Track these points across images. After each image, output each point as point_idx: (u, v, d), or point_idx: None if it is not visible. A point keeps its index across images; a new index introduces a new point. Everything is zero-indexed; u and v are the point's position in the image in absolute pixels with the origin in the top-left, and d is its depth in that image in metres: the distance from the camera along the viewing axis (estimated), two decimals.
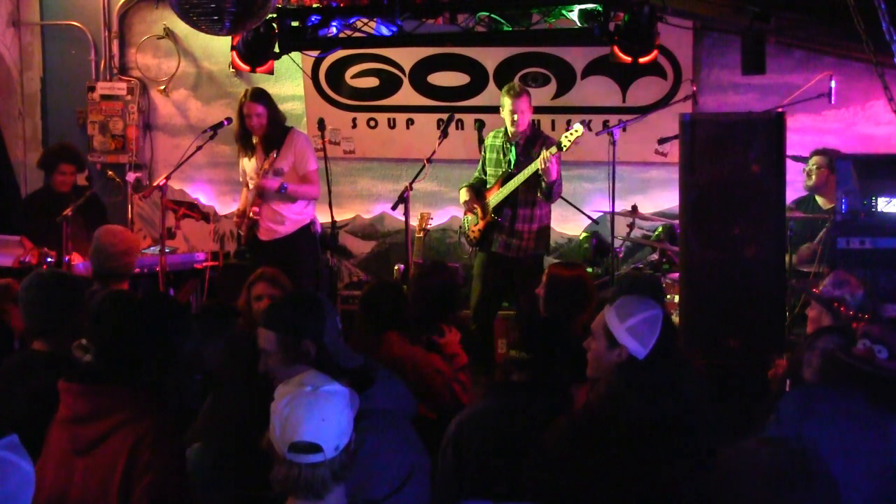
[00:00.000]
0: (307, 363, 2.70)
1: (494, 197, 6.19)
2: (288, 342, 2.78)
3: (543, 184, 5.98)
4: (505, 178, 6.17)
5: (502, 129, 6.28)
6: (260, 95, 6.13)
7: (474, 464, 3.04)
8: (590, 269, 6.81)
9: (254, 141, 6.17)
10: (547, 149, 5.97)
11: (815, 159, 6.19)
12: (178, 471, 2.67)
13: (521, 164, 6.13)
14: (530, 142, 6.17)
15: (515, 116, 6.10)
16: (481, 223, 6.23)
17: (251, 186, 6.21)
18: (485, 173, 6.39)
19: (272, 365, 2.81)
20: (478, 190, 6.35)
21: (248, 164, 6.24)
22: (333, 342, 2.81)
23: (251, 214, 6.13)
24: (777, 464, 2.04)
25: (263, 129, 6.09)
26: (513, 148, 6.18)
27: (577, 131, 5.98)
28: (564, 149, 5.96)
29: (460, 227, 6.64)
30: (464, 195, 6.34)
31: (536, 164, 5.97)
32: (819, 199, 6.22)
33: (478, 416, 3.12)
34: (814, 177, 6.16)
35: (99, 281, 4.74)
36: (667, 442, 2.71)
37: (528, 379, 3.10)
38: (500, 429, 3.02)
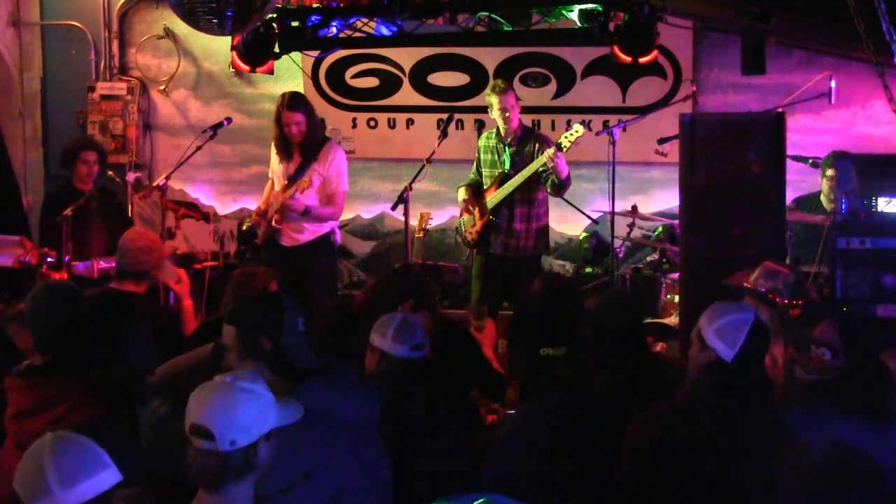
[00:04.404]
0: (261, 360, 2.75)
1: (492, 198, 6.18)
2: (245, 337, 2.81)
3: (555, 180, 5.96)
4: (502, 179, 6.16)
5: (494, 129, 6.27)
6: (298, 104, 5.95)
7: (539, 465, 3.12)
8: (589, 270, 6.81)
9: (292, 146, 6.05)
10: (545, 144, 5.97)
11: (831, 172, 6.13)
12: None
13: (516, 165, 6.12)
14: (523, 141, 6.16)
15: (507, 113, 6.07)
16: (479, 224, 6.22)
17: (277, 188, 6.15)
18: (479, 174, 6.38)
19: (230, 360, 2.85)
20: (475, 190, 6.34)
21: (279, 166, 6.13)
22: (292, 342, 2.80)
23: (273, 224, 6.08)
24: (835, 464, 2.10)
25: (302, 136, 5.97)
26: (506, 148, 6.17)
27: (577, 132, 5.96)
28: (564, 150, 5.95)
29: (456, 229, 6.63)
30: (462, 194, 6.33)
31: (537, 164, 5.96)
32: (828, 206, 6.17)
33: (528, 418, 3.21)
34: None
35: (117, 279, 4.75)
36: (754, 441, 2.81)
37: (567, 373, 3.21)
38: (552, 427, 3.13)
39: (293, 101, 5.96)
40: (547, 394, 3.23)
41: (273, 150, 6.20)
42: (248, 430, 2.21)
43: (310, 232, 6.10)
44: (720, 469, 2.78)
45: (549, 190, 6.08)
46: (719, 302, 3.03)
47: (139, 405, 2.99)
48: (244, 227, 6.49)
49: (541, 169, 5.99)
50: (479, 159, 6.38)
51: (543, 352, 3.24)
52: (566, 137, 5.95)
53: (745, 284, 4.04)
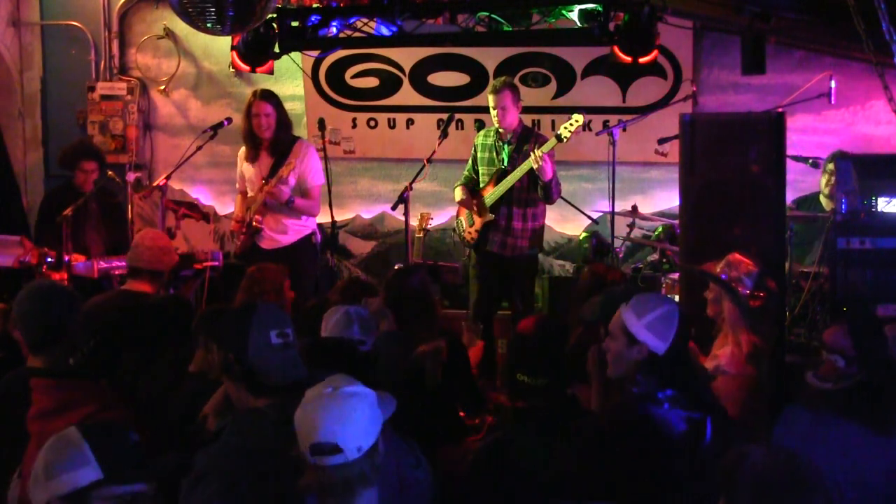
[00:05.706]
0: (231, 376, 2.64)
1: (490, 195, 6.17)
2: (218, 353, 2.73)
3: (540, 183, 5.96)
4: (499, 176, 6.14)
5: (493, 128, 6.27)
6: (269, 96, 6.07)
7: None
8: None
9: (259, 144, 6.08)
10: (541, 145, 5.95)
11: (832, 166, 6.13)
12: None
13: (514, 161, 6.10)
14: (523, 139, 6.15)
15: (495, 112, 6.07)
16: (477, 223, 6.20)
17: (250, 193, 6.15)
18: (476, 173, 6.36)
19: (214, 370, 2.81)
20: (471, 189, 6.34)
21: (249, 170, 6.16)
22: (261, 358, 2.62)
23: (254, 223, 6.08)
24: (773, 470, 2.06)
25: (271, 131, 6.02)
26: (505, 146, 6.16)
27: (576, 121, 5.94)
28: (565, 140, 5.93)
29: (454, 229, 6.61)
30: (459, 194, 6.31)
31: (530, 163, 5.94)
32: (824, 202, 6.19)
33: (501, 447, 3.03)
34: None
35: (131, 277, 4.78)
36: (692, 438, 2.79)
37: (545, 404, 3.01)
38: (526, 458, 2.95)
39: (265, 93, 6.08)
40: (509, 427, 3.09)
41: (240, 159, 6.23)
42: (370, 432, 2.19)
43: (294, 232, 6.10)
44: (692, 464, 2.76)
45: (539, 193, 6.06)
46: (640, 294, 3.01)
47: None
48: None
49: (535, 170, 5.97)
50: (475, 157, 6.36)
51: (520, 377, 3.02)
52: (566, 128, 5.93)
53: (713, 272, 4.10)
